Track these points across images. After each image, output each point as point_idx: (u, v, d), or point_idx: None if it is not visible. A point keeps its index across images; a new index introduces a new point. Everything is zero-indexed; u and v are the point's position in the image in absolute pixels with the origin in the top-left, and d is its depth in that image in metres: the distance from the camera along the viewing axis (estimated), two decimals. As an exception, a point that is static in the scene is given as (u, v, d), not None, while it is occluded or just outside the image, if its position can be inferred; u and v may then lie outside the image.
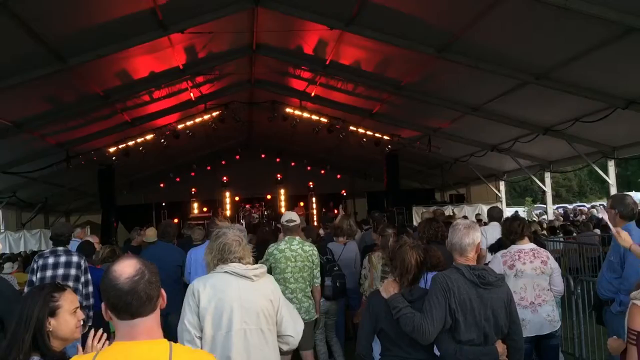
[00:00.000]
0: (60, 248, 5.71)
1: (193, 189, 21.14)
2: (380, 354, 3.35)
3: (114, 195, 16.29)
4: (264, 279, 3.26)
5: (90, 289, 5.64)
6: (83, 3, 7.57)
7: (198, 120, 14.48)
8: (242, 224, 17.70)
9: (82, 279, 5.63)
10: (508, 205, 23.80)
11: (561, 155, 14.05)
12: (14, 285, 5.61)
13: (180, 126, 14.48)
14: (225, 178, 21.50)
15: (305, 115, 14.83)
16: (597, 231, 12.29)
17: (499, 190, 18.49)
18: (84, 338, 2.62)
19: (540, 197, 34.02)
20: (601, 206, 19.59)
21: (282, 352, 3.36)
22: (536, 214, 25.91)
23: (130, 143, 14.29)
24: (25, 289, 5.56)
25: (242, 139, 20.34)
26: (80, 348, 2.46)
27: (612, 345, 3.12)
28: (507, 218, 5.84)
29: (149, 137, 14.37)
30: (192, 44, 10.14)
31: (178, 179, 21.24)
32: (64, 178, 15.11)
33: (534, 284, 4.51)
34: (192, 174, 21.41)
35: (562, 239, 12.43)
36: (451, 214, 14.10)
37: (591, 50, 7.75)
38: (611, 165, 12.73)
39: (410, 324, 3.04)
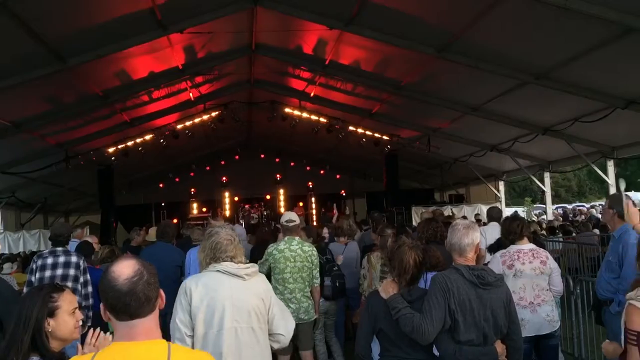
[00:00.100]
0: (59, 248, 5.69)
1: (192, 189, 21.11)
2: (379, 354, 3.35)
3: (113, 196, 16.25)
4: (255, 278, 3.27)
5: (90, 289, 5.63)
6: (83, 3, 7.56)
7: (197, 120, 14.46)
8: (241, 224, 17.72)
9: (81, 279, 5.61)
10: (507, 205, 23.77)
11: (561, 155, 14.03)
12: (13, 286, 5.61)
13: (179, 126, 14.46)
14: (224, 178, 21.46)
15: (305, 115, 14.80)
16: (597, 231, 12.30)
17: (498, 190, 18.47)
18: (83, 338, 2.62)
19: (539, 197, 34.03)
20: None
21: (274, 351, 3.37)
22: (535, 214, 25.94)
23: (130, 143, 14.27)
24: (24, 290, 5.54)
25: (241, 139, 20.31)
26: (80, 347, 2.47)
27: (607, 349, 3.07)
28: (507, 218, 5.82)
29: (148, 137, 14.35)
30: (191, 44, 10.13)
31: (177, 179, 21.23)
32: (63, 178, 15.10)
33: (533, 284, 4.52)
34: (192, 174, 21.38)
35: (561, 239, 12.41)
36: (450, 214, 14.13)
37: (591, 50, 7.74)
38: (610, 166, 12.72)
39: (409, 325, 3.03)
